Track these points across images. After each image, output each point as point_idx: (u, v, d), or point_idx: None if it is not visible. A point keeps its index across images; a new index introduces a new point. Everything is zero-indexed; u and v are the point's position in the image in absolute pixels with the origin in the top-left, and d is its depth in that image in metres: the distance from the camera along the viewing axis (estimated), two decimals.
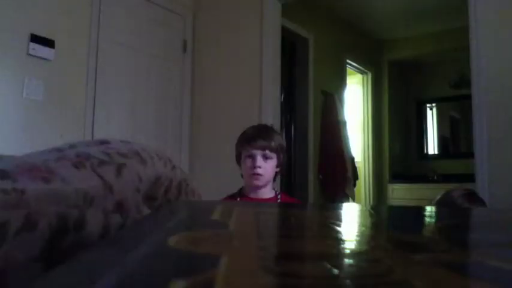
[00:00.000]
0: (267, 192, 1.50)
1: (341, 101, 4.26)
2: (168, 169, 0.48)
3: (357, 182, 4.34)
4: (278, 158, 1.48)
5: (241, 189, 1.54)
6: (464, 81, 4.60)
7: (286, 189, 3.35)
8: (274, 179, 1.55)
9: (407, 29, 4.63)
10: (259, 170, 1.42)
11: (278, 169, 1.51)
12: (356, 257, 0.21)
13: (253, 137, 1.45)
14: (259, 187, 1.47)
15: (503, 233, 0.33)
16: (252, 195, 1.49)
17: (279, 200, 1.54)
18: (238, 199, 1.49)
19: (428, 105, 5.32)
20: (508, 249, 0.24)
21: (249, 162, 1.44)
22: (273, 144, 1.45)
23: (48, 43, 2.30)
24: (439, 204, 1.28)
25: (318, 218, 0.41)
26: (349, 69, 4.63)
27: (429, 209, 0.55)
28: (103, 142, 0.45)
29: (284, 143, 1.55)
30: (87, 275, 0.18)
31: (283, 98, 3.49)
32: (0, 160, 0.34)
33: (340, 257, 0.20)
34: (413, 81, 5.28)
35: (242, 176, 1.51)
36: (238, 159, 1.51)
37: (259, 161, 1.42)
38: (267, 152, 1.43)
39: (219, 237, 0.25)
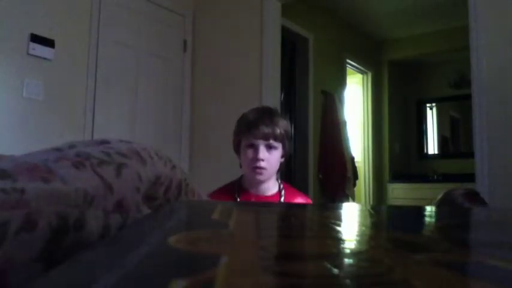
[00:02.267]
0: (270, 187, 1.32)
1: (341, 100, 4.26)
2: (168, 169, 0.48)
3: (357, 181, 4.35)
4: (283, 147, 1.30)
5: (240, 181, 1.35)
6: (464, 81, 4.61)
7: None
8: (279, 170, 1.36)
9: (407, 29, 4.63)
10: (262, 163, 1.24)
11: (283, 159, 1.32)
12: (356, 257, 0.21)
13: (255, 123, 1.25)
14: (261, 182, 1.29)
15: (503, 233, 0.33)
16: (253, 191, 1.31)
17: (282, 197, 1.34)
18: (237, 197, 1.32)
19: (428, 105, 5.32)
20: (508, 249, 0.24)
21: (250, 153, 1.25)
22: (278, 131, 1.25)
23: (48, 43, 2.30)
24: (440, 204, 1.28)
25: (318, 218, 0.41)
26: (349, 69, 4.63)
27: (429, 209, 0.55)
28: (103, 142, 0.45)
29: (289, 128, 1.34)
30: (87, 275, 0.18)
31: (283, 98, 3.50)
32: (0, 160, 0.34)
33: (340, 257, 0.20)
34: (413, 81, 5.29)
35: (241, 166, 1.32)
36: (237, 147, 1.32)
37: (263, 152, 1.24)
38: (271, 141, 1.24)
39: (219, 237, 0.25)
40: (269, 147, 1.25)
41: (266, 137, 1.24)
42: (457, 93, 4.88)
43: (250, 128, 1.25)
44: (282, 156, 1.31)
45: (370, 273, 0.17)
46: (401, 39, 4.91)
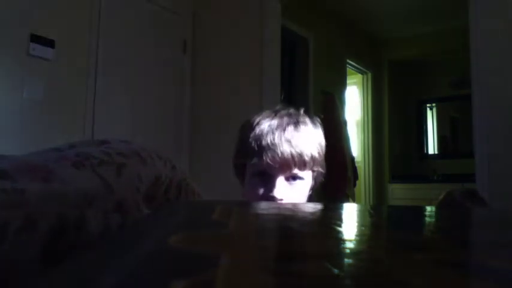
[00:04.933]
0: None
1: (341, 100, 4.27)
2: (168, 169, 0.48)
3: (357, 182, 4.34)
4: (314, 175, 0.85)
5: None
6: (464, 81, 4.61)
7: None
8: None
9: (407, 29, 4.64)
10: (278, 201, 0.79)
11: (311, 192, 0.87)
12: (356, 256, 0.21)
13: (270, 143, 0.79)
14: None
15: (503, 233, 0.33)
16: None
17: None
18: None
19: (428, 105, 5.32)
20: (508, 249, 0.24)
21: (260, 185, 0.81)
22: (307, 154, 0.80)
23: (48, 43, 2.30)
24: (440, 205, 1.27)
25: (318, 218, 0.41)
26: (349, 69, 4.63)
27: (429, 209, 0.55)
28: (103, 142, 0.45)
29: (323, 142, 0.87)
30: (87, 275, 0.18)
31: (283, 98, 3.50)
32: (0, 160, 0.34)
33: (340, 257, 0.20)
34: (413, 81, 5.29)
35: (243, 195, 0.87)
36: (240, 171, 0.86)
37: (281, 187, 0.79)
38: (296, 171, 0.80)
39: (219, 237, 0.25)
40: (292, 178, 0.81)
41: (287, 165, 0.79)
42: (457, 93, 4.88)
43: (261, 150, 0.79)
44: (311, 188, 0.85)
45: (370, 273, 0.17)
46: (402, 39, 4.92)
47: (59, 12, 2.40)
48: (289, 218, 0.39)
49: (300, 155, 0.79)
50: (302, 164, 0.79)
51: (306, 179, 0.82)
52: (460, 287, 0.16)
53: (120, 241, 0.27)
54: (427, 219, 0.43)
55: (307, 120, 0.86)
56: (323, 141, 0.87)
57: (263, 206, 0.53)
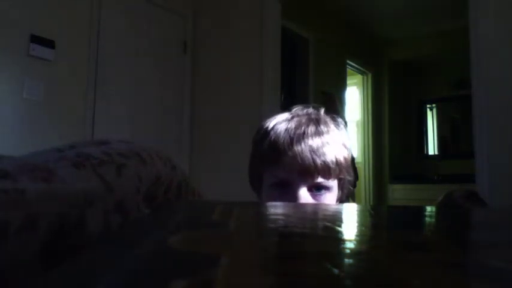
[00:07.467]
0: None
1: (341, 101, 4.27)
2: (168, 169, 0.48)
3: (357, 182, 4.34)
4: (341, 184, 0.74)
5: None
6: (464, 81, 4.61)
7: None
8: None
9: (408, 29, 4.64)
10: None
11: (338, 202, 0.76)
12: (356, 256, 0.21)
13: (288, 148, 0.70)
14: None
15: (503, 233, 0.33)
16: None
17: None
18: None
19: (428, 105, 5.32)
20: (508, 249, 0.24)
21: (279, 196, 0.71)
22: (332, 160, 0.70)
23: (49, 44, 2.30)
24: (440, 206, 1.27)
25: (318, 218, 0.41)
26: (349, 69, 4.64)
27: (429, 209, 0.55)
28: (103, 142, 0.45)
29: (350, 145, 0.78)
30: (87, 275, 0.18)
31: (284, 99, 3.50)
32: (0, 160, 0.34)
33: (340, 257, 0.20)
34: (414, 81, 5.29)
35: None
36: (256, 182, 0.77)
37: (304, 198, 0.69)
38: (320, 179, 0.70)
39: (219, 237, 0.25)
40: (316, 188, 0.70)
41: (309, 173, 0.69)
42: (457, 93, 4.88)
43: (277, 157, 0.70)
44: (338, 199, 0.75)
45: (370, 273, 0.17)
46: (402, 39, 4.92)
47: (59, 12, 2.40)
48: (289, 217, 0.39)
49: (323, 161, 0.69)
50: (326, 171, 0.69)
51: (332, 189, 0.72)
52: (460, 287, 0.16)
53: (120, 241, 0.27)
54: (427, 219, 0.43)
55: (329, 120, 0.76)
56: (348, 144, 0.76)
57: (263, 206, 0.53)
